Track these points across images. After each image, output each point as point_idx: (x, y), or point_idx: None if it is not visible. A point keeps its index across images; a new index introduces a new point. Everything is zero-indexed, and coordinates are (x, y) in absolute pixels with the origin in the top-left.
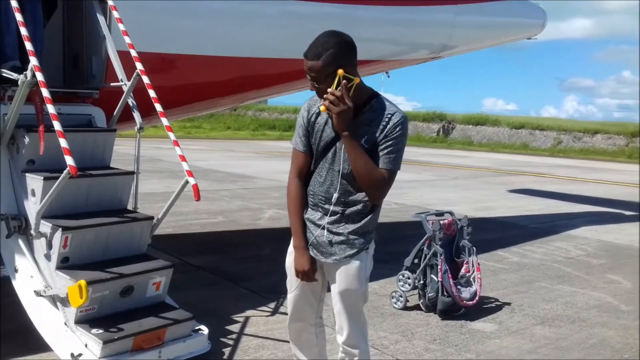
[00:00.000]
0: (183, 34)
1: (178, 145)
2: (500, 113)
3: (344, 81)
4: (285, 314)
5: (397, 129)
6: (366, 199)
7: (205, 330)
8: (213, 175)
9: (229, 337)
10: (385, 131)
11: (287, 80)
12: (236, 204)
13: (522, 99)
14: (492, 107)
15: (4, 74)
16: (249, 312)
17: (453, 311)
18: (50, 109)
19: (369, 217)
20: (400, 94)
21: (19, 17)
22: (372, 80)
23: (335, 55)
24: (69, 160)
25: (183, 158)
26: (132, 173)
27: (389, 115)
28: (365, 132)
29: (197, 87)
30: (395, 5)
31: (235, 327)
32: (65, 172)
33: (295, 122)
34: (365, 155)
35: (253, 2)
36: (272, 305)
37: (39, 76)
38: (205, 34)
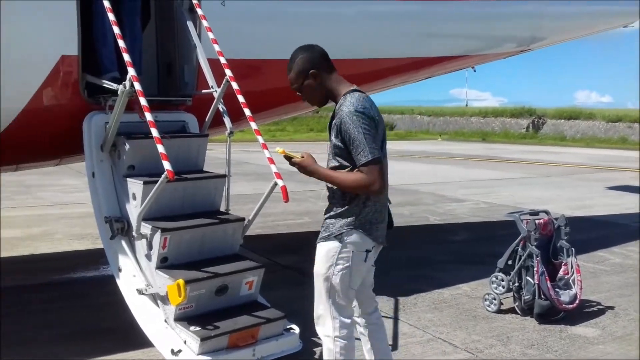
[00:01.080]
0: (267, 39)
1: (266, 148)
2: (594, 106)
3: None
4: None
5: (343, 124)
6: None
7: (296, 329)
8: (299, 176)
9: (319, 337)
10: (340, 132)
11: (367, 81)
12: (322, 205)
13: (618, 91)
14: (585, 100)
15: (104, 85)
16: None
17: (551, 315)
18: (148, 116)
19: (347, 206)
20: (486, 89)
21: (116, 30)
22: (457, 76)
23: (300, 66)
24: (167, 165)
25: (271, 160)
26: (224, 176)
27: (339, 115)
28: (333, 138)
29: (282, 91)
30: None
31: None
32: (163, 176)
33: None
34: (337, 176)
35: (332, 3)
36: None
37: (137, 85)
38: (288, 38)
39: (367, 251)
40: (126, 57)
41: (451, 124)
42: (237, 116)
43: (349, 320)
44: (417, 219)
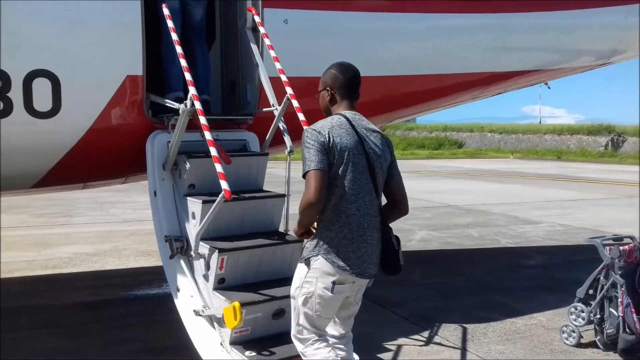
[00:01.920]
0: (330, 56)
1: None
2: None
3: None
4: (440, 344)
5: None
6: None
7: (356, 357)
8: None
9: None
10: None
11: (436, 97)
12: None
13: None
14: None
15: (167, 104)
16: (400, 340)
17: (638, 351)
18: (207, 135)
19: (318, 230)
20: (561, 106)
21: (178, 49)
22: (529, 92)
23: (326, 79)
24: (224, 184)
25: None
26: (283, 195)
27: None
28: None
29: None
30: (556, 11)
31: (387, 356)
32: (220, 196)
33: (442, 140)
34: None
35: (398, 18)
36: (426, 333)
37: (197, 104)
38: (350, 54)
39: (334, 283)
40: (187, 76)
41: (524, 142)
42: (297, 134)
43: (320, 344)
44: (488, 241)
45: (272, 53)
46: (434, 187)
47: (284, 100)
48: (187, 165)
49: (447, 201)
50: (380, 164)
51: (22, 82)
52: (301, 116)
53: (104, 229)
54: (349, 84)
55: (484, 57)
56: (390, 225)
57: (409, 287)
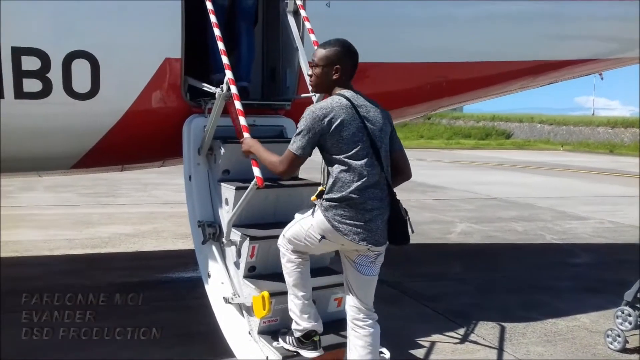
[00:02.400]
0: (373, 42)
1: None
2: None
3: None
4: (476, 342)
5: None
6: None
7: (387, 354)
8: (404, 184)
9: None
10: None
11: (483, 85)
12: (425, 215)
13: None
14: None
15: (204, 88)
16: (434, 336)
17: None
18: (242, 120)
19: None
20: (615, 97)
21: (217, 32)
22: (582, 82)
23: (333, 55)
24: (256, 171)
25: None
26: (319, 184)
27: None
28: None
29: (388, 95)
30: None
31: (419, 352)
32: (252, 183)
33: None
34: (263, 153)
35: (444, 4)
36: (461, 331)
37: (233, 89)
38: (395, 40)
39: (323, 237)
40: (224, 59)
41: (575, 134)
42: None
43: (298, 260)
44: (532, 236)
45: (313, 37)
46: (479, 179)
47: None
48: (222, 151)
49: (491, 193)
50: (382, 139)
51: (61, 63)
52: None
53: (145, 210)
54: (354, 64)
55: (536, 44)
56: (431, 214)
57: (446, 281)
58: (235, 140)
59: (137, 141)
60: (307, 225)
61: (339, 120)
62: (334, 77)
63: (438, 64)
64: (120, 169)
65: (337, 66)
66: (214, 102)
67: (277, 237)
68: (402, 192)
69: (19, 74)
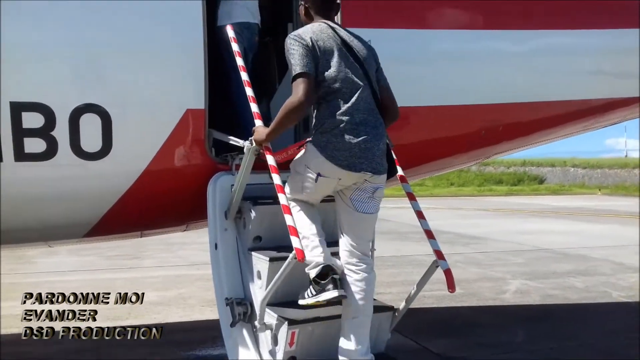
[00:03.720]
0: (414, 83)
1: (424, 218)
2: None
3: None
4: None
5: (285, 51)
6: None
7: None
8: (443, 236)
9: None
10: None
11: (543, 127)
12: (473, 271)
13: None
14: None
15: (230, 142)
16: None
17: None
18: (276, 179)
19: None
20: None
21: (244, 76)
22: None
23: None
24: (295, 242)
25: (430, 235)
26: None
27: None
28: None
29: (433, 143)
30: None
31: None
32: (291, 256)
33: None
34: (278, 115)
35: (497, 40)
36: None
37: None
38: (438, 81)
39: (319, 174)
40: (254, 107)
41: (610, 176)
42: None
43: (302, 203)
44: (596, 294)
45: None
46: (520, 228)
47: None
48: (253, 214)
49: (538, 244)
50: (368, 63)
51: (68, 119)
52: None
53: (171, 274)
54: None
55: (599, 81)
56: (478, 269)
57: (512, 353)
58: (268, 201)
59: (156, 205)
60: (301, 169)
61: (319, 40)
62: (304, 13)
63: (493, 105)
64: (139, 236)
65: (302, 2)
66: (242, 157)
67: (321, 319)
68: (444, 246)
69: (20, 133)
